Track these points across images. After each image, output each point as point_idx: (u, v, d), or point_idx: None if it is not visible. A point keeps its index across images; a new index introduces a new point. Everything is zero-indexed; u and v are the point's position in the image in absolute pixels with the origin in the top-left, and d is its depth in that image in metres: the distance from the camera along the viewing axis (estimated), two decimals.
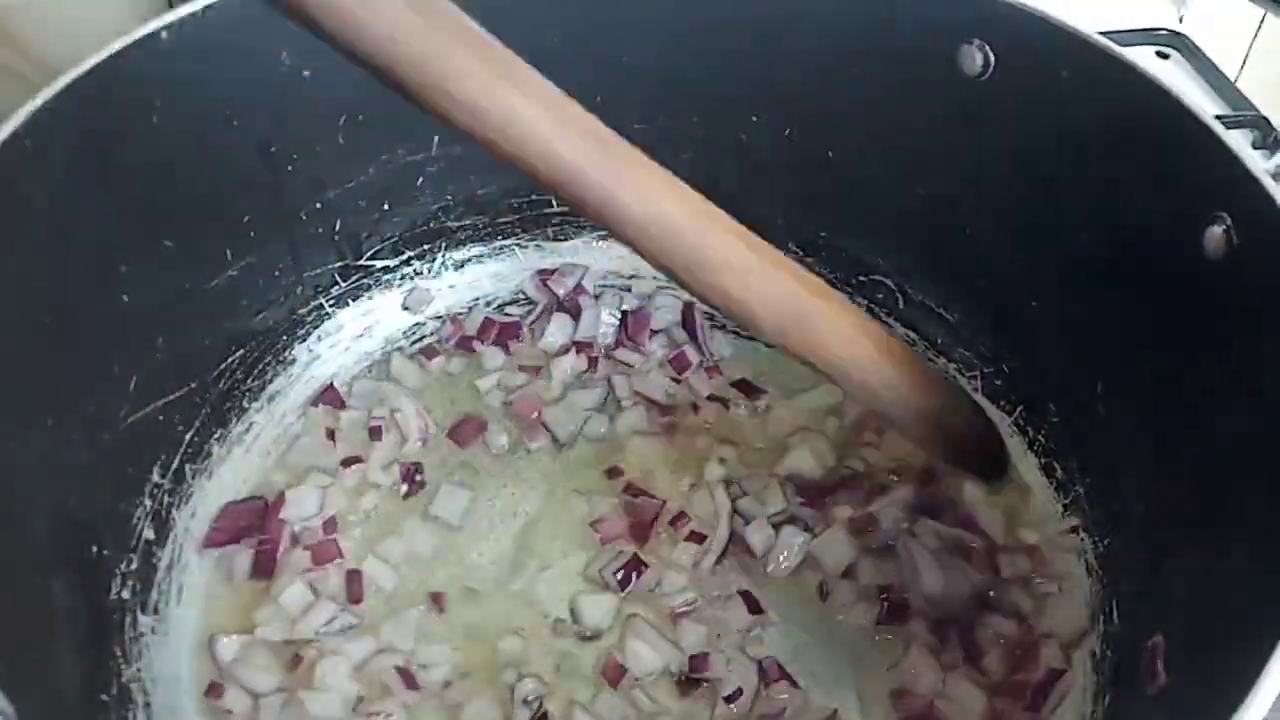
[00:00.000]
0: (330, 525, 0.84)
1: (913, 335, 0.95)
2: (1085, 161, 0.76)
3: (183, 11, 0.73)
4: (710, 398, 0.93)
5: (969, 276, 0.89)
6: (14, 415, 0.66)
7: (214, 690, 0.75)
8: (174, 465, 0.83)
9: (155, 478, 0.81)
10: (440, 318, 0.98)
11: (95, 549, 0.73)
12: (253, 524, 0.84)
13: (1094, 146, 0.75)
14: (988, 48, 0.77)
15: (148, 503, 0.80)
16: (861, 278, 0.96)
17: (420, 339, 0.97)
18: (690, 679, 0.76)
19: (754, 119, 0.91)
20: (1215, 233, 0.65)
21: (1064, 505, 0.83)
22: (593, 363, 0.96)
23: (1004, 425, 0.89)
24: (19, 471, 0.65)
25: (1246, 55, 1.20)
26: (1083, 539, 0.81)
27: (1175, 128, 0.69)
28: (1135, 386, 0.77)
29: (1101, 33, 0.73)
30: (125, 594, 0.75)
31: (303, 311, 0.93)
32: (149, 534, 0.79)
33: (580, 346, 0.96)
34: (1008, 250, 0.85)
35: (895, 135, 0.86)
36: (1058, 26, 0.74)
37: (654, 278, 1.00)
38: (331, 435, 0.90)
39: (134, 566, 0.77)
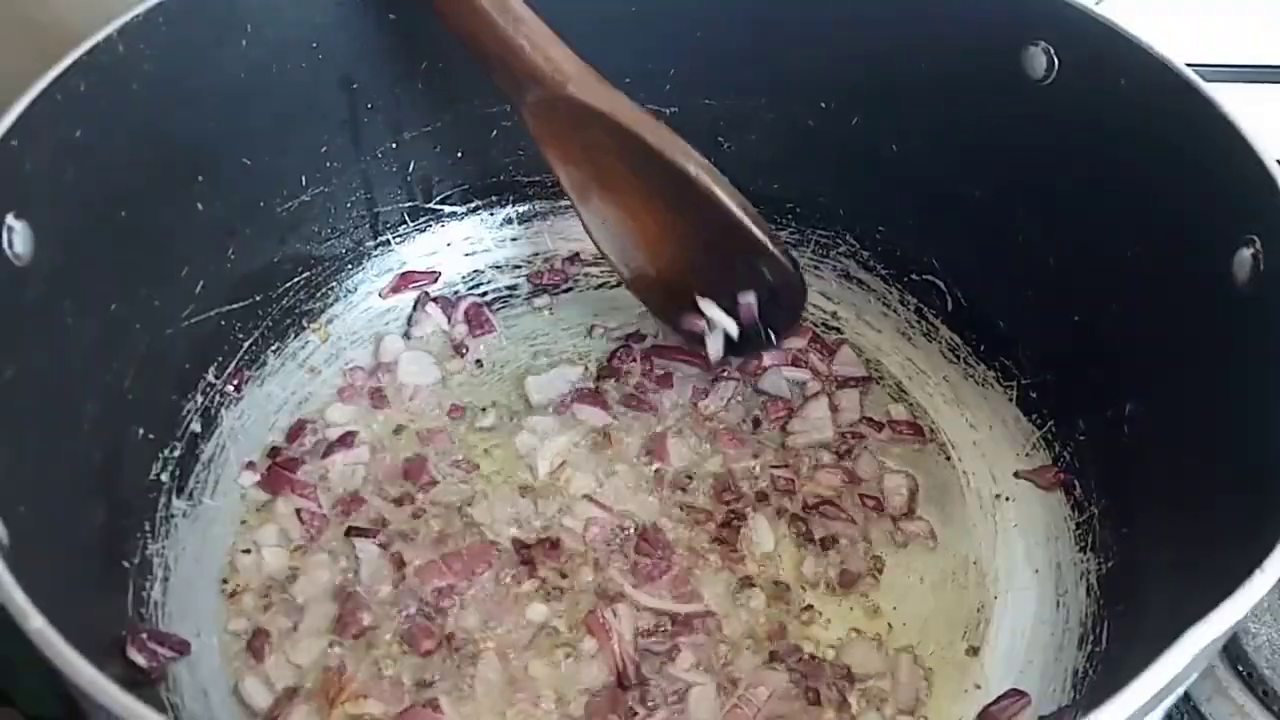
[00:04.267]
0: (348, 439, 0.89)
1: (957, 339, 0.94)
2: (1135, 178, 0.74)
3: None
4: None
5: (1018, 286, 0.88)
6: (79, 297, 0.71)
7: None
8: (229, 368, 0.89)
9: (210, 377, 0.87)
10: (499, 267, 1.02)
11: (141, 431, 0.79)
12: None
13: (1147, 163, 0.73)
14: (1052, 51, 0.77)
15: (199, 399, 0.86)
16: (914, 276, 0.96)
17: (478, 285, 1.01)
18: None
19: (822, 105, 0.92)
20: (1243, 255, 0.64)
21: (1076, 524, 0.82)
22: None
23: (1034, 438, 0.88)
24: (77, 346, 0.71)
25: None
26: (1088, 558, 0.79)
27: (1234, 161, 0.66)
28: (1161, 410, 0.75)
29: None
30: (164, 477, 0.81)
31: (369, 244, 0.98)
32: (195, 427, 0.85)
33: None
34: (1057, 262, 0.84)
35: (958, 134, 0.86)
36: (1123, 35, 0.73)
37: None
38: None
39: (177, 454, 0.83)
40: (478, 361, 0.96)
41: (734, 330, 0.89)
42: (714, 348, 0.90)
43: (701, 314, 0.89)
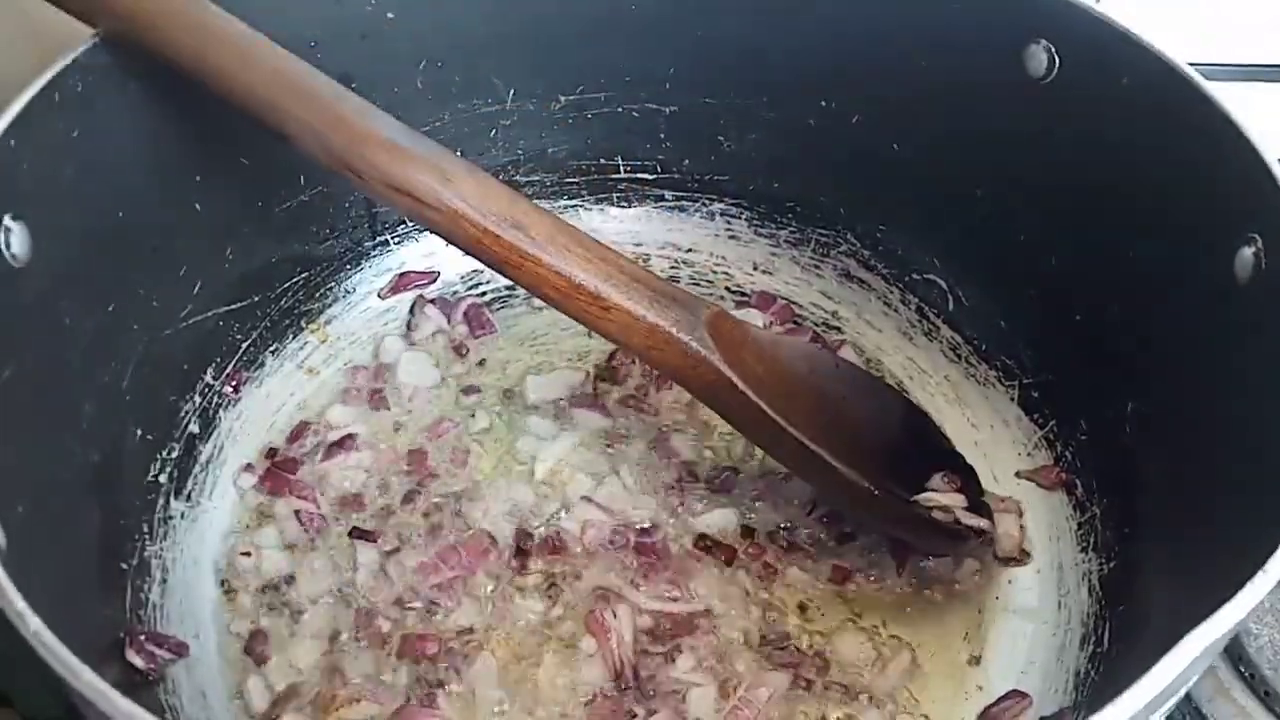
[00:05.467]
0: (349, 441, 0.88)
1: (958, 338, 0.94)
2: (1136, 177, 0.74)
3: None
4: None
5: (1019, 285, 0.88)
6: (77, 297, 0.71)
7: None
8: (228, 369, 0.88)
9: (208, 378, 0.87)
10: None
11: (140, 432, 0.79)
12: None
13: (1147, 162, 0.73)
14: (1053, 49, 0.76)
15: (198, 400, 0.86)
16: (915, 275, 0.96)
17: (476, 285, 1.01)
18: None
19: (823, 104, 0.92)
20: (1245, 254, 0.63)
21: (1078, 524, 0.82)
22: None
23: (1035, 437, 0.88)
24: (75, 346, 0.71)
25: None
26: (1089, 558, 0.79)
27: (1235, 159, 0.66)
28: (1163, 410, 0.75)
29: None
30: (162, 478, 0.81)
31: (368, 245, 0.97)
32: (194, 428, 0.85)
33: None
34: (1057, 261, 0.84)
35: (958, 132, 0.86)
36: (1123, 33, 0.73)
37: (710, 253, 1.02)
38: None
39: (175, 455, 0.82)
40: (479, 362, 0.96)
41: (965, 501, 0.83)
42: (974, 520, 0.82)
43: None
